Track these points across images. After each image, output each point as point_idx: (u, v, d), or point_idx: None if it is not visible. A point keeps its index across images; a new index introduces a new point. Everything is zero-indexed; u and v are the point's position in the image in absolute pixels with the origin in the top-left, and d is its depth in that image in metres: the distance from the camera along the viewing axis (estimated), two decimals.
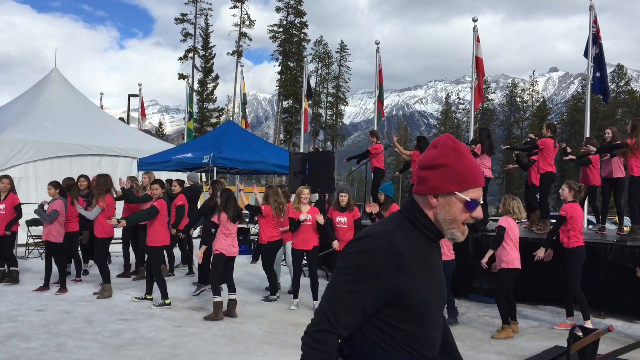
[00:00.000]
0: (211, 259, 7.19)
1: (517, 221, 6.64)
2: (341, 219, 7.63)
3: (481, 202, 1.86)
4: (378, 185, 11.20)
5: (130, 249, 9.84)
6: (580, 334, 3.50)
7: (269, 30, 57.74)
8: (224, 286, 7.21)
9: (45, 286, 8.26)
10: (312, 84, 58.62)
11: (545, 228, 9.03)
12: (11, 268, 8.76)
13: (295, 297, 7.65)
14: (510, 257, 6.34)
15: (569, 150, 9.44)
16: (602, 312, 7.49)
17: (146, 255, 8.03)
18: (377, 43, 15.68)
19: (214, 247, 7.05)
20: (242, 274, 10.03)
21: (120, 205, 9.65)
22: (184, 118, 23.25)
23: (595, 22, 11.78)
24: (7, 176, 8.96)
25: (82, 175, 9.56)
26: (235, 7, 55.32)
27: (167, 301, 7.37)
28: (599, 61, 11.75)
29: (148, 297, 7.59)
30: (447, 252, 6.71)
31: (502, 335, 6.33)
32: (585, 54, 11.92)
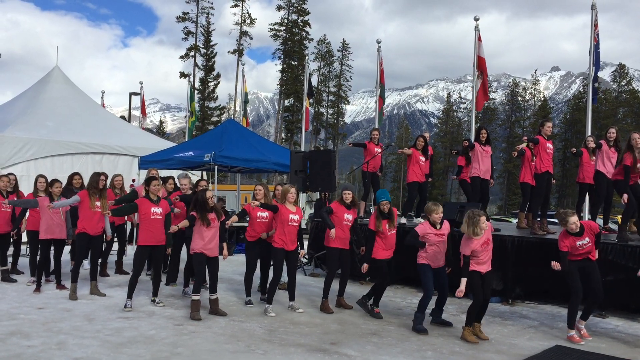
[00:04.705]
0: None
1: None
2: (348, 216, 7.53)
3: None
4: (369, 186, 11.07)
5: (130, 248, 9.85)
6: None
7: (270, 28, 57.76)
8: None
9: (60, 284, 8.29)
10: (314, 82, 58.65)
11: (544, 227, 9.03)
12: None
13: (270, 302, 7.30)
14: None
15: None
16: (604, 311, 7.48)
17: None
18: (378, 42, 15.66)
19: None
20: (242, 272, 10.01)
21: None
22: (185, 116, 23.25)
23: (596, 21, 11.77)
24: (10, 173, 9.00)
25: (75, 173, 9.49)
26: (236, 5, 55.31)
27: (127, 302, 7.17)
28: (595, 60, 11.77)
29: (152, 298, 7.55)
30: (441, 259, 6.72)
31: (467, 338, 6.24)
32: (590, 53, 11.89)
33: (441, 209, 6.69)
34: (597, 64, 11.81)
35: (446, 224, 6.76)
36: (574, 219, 6.20)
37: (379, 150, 10.97)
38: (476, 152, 9.77)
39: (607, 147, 8.52)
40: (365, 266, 7.17)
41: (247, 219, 7.82)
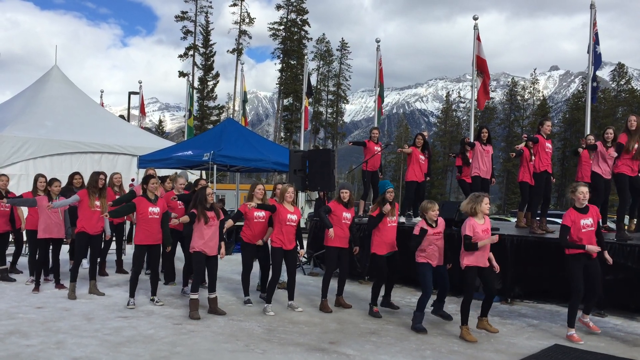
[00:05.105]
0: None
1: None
2: (347, 215, 7.53)
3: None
4: (368, 186, 11.07)
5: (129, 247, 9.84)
6: None
7: (270, 28, 57.76)
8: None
9: (59, 284, 8.29)
10: (313, 82, 58.63)
11: (542, 226, 9.04)
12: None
13: (269, 301, 7.31)
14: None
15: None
16: (603, 311, 7.48)
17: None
18: (377, 41, 15.66)
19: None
20: (240, 271, 10.00)
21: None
22: (184, 116, 23.25)
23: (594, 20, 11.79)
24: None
25: (76, 173, 9.51)
26: (234, 4, 55.32)
27: (130, 300, 7.26)
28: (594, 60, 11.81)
29: (151, 297, 7.56)
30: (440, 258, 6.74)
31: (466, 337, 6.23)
32: (589, 51, 11.89)
33: (437, 206, 6.72)
34: (596, 63, 11.82)
35: (441, 221, 6.78)
36: (584, 189, 6.29)
37: (378, 149, 10.97)
38: (477, 151, 9.77)
39: (603, 149, 8.49)
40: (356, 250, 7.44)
41: (243, 219, 7.80)
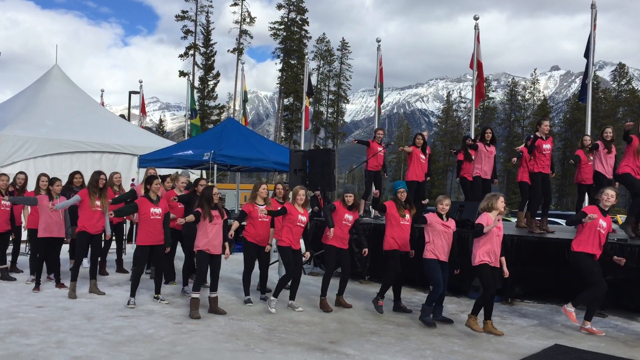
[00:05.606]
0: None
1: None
2: (349, 217, 7.59)
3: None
4: (370, 186, 11.09)
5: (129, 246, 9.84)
6: None
7: (270, 27, 57.79)
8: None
9: (59, 283, 8.28)
10: (314, 81, 58.64)
11: (542, 226, 9.04)
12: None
13: (276, 295, 7.33)
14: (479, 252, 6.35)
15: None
16: (603, 311, 7.48)
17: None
18: (378, 41, 15.65)
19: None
20: (241, 271, 9.99)
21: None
22: (185, 115, 23.25)
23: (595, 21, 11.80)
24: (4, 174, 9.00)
25: (76, 172, 9.52)
26: (235, 4, 55.33)
27: (130, 299, 7.28)
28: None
29: (155, 295, 7.58)
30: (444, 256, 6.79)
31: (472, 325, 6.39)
32: (585, 54, 11.91)
33: (447, 201, 6.89)
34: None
35: (452, 221, 6.92)
36: (610, 192, 6.53)
37: (380, 149, 10.99)
38: (480, 151, 9.77)
39: (603, 147, 8.49)
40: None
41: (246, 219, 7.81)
